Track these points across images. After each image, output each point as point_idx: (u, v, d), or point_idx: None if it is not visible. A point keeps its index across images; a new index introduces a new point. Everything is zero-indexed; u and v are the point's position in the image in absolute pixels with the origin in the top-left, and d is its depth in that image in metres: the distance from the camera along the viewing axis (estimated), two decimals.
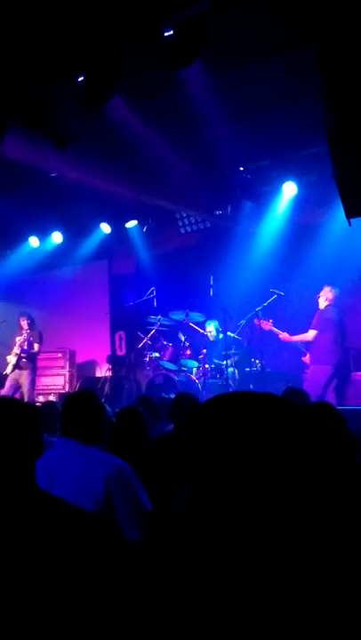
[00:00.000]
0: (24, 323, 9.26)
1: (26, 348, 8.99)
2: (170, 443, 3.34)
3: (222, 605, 0.95)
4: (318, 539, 0.95)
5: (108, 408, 3.20)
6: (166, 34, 4.15)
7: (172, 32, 4.13)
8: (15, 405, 1.87)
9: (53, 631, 1.45)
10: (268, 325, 8.15)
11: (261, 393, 1.01)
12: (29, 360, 9.10)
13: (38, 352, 9.26)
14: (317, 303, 7.85)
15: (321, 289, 7.88)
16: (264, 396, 1.00)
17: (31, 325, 9.26)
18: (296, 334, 8.01)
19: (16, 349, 9.07)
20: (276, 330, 8.15)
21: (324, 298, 7.84)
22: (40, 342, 9.24)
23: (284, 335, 8.08)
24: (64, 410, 2.81)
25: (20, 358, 9.01)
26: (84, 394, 2.97)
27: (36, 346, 9.12)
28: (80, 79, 4.64)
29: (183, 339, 9.16)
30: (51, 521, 1.67)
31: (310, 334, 7.77)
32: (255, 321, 8.28)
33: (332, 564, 0.95)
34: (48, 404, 5.04)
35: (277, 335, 8.12)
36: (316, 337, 7.73)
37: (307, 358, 7.96)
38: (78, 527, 1.69)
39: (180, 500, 1.36)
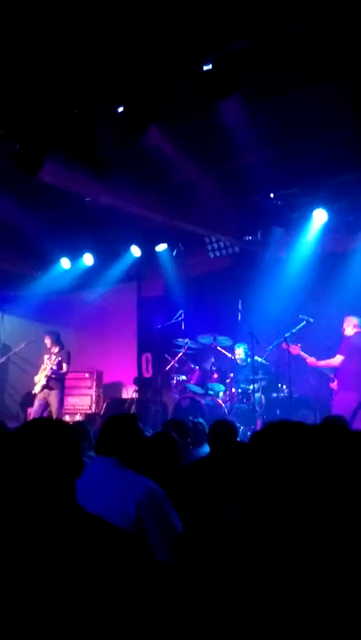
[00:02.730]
0: (48, 341, 9.37)
1: (55, 368, 9.08)
2: (206, 467, 3.36)
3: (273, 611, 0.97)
4: None
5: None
6: (205, 68, 4.24)
7: (210, 66, 4.23)
8: (56, 425, 1.93)
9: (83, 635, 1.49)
10: (296, 350, 8.14)
11: (314, 425, 1.06)
12: (58, 380, 9.18)
13: (67, 372, 9.34)
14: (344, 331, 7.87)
15: (349, 315, 7.89)
16: (318, 427, 1.05)
17: (55, 344, 9.35)
18: (323, 359, 7.99)
19: (46, 371, 9.15)
20: (303, 354, 8.15)
21: (351, 326, 7.85)
22: (69, 362, 9.32)
23: (311, 360, 8.07)
24: (103, 429, 2.87)
25: (49, 379, 9.10)
26: (125, 416, 3.04)
27: (64, 366, 9.20)
28: (119, 109, 4.76)
29: (211, 362, 9.17)
30: (88, 536, 1.71)
31: (337, 359, 7.76)
32: (283, 345, 8.27)
33: None
34: (77, 424, 5.09)
35: (305, 360, 8.11)
36: (343, 363, 7.71)
37: (335, 385, 7.92)
38: (113, 543, 1.73)
39: (225, 519, 1.39)
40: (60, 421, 2.11)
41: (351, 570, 0.99)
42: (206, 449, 4.34)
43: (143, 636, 1.54)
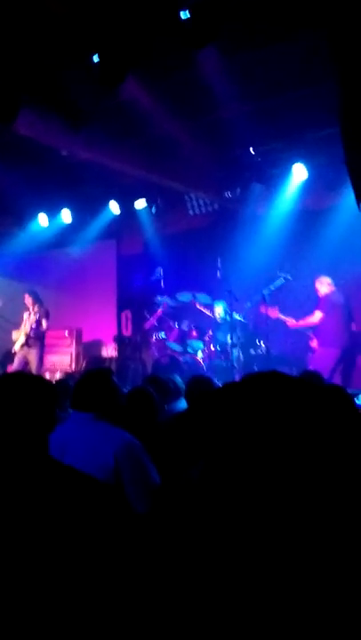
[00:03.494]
0: (28, 300, 9.35)
1: (34, 326, 9.08)
2: (184, 422, 3.41)
3: (227, 576, 1.00)
4: (327, 514, 0.99)
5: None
6: (183, 16, 4.14)
7: (188, 13, 4.12)
8: (33, 380, 1.94)
9: (62, 589, 1.52)
10: (274, 313, 8.20)
11: (282, 374, 1.06)
12: (37, 338, 9.19)
13: (46, 330, 9.35)
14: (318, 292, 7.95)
15: (321, 275, 7.96)
16: (284, 377, 1.05)
17: (35, 302, 9.34)
18: (302, 318, 8.07)
19: (25, 328, 9.16)
20: (283, 317, 8.21)
21: (325, 285, 7.90)
22: (47, 320, 9.32)
23: (291, 322, 8.13)
24: (79, 384, 2.89)
25: (29, 337, 9.11)
26: (101, 371, 3.05)
27: (44, 323, 9.21)
28: (95, 59, 4.63)
29: (189, 320, 9.20)
30: (64, 487, 1.73)
31: (316, 317, 7.83)
32: (262, 309, 8.33)
33: (340, 540, 0.99)
34: (61, 381, 5.11)
35: (285, 322, 8.17)
36: (323, 320, 7.78)
37: (314, 342, 8.01)
38: (90, 494, 1.76)
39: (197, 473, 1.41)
40: (35, 376, 2.13)
41: (311, 530, 1.00)
42: (183, 404, 4.40)
43: (117, 583, 1.57)
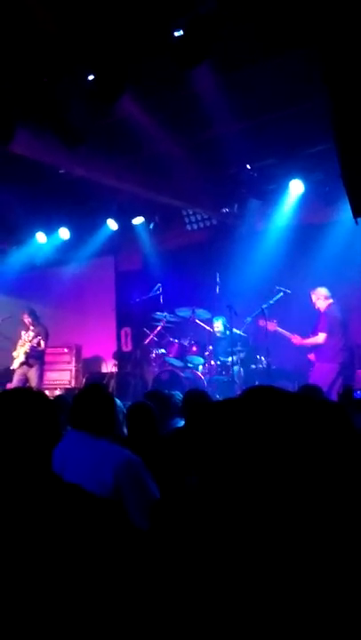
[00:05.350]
0: (25, 318, 9.35)
1: (34, 345, 9.07)
2: (182, 436, 3.39)
3: (223, 590, 0.99)
4: (319, 525, 0.99)
5: (118, 402, 3.26)
6: (176, 34, 4.18)
7: (181, 32, 4.17)
8: (35, 395, 1.93)
9: (63, 606, 1.50)
10: (273, 326, 8.19)
11: (280, 391, 1.06)
12: (37, 357, 9.18)
13: (45, 348, 9.33)
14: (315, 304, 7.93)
15: (317, 287, 7.95)
16: (278, 392, 1.05)
17: (34, 320, 9.33)
18: (302, 332, 8.05)
19: (24, 347, 9.14)
20: (281, 330, 8.18)
21: (322, 299, 7.88)
22: (46, 339, 9.30)
23: (297, 339, 8.08)
24: (75, 403, 2.88)
25: (28, 356, 9.09)
26: (95, 388, 3.04)
27: (42, 343, 9.18)
28: (90, 78, 4.67)
29: (189, 336, 9.20)
30: (66, 504, 1.72)
31: (321, 338, 7.79)
32: (260, 322, 8.32)
33: (334, 555, 0.99)
34: (58, 397, 5.10)
35: (289, 338, 8.13)
36: (326, 339, 7.78)
37: (312, 356, 7.99)
38: (92, 510, 1.75)
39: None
40: (37, 391, 2.12)
41: (303, 542, 1.00)
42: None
43: (120, 598, 1.56)
